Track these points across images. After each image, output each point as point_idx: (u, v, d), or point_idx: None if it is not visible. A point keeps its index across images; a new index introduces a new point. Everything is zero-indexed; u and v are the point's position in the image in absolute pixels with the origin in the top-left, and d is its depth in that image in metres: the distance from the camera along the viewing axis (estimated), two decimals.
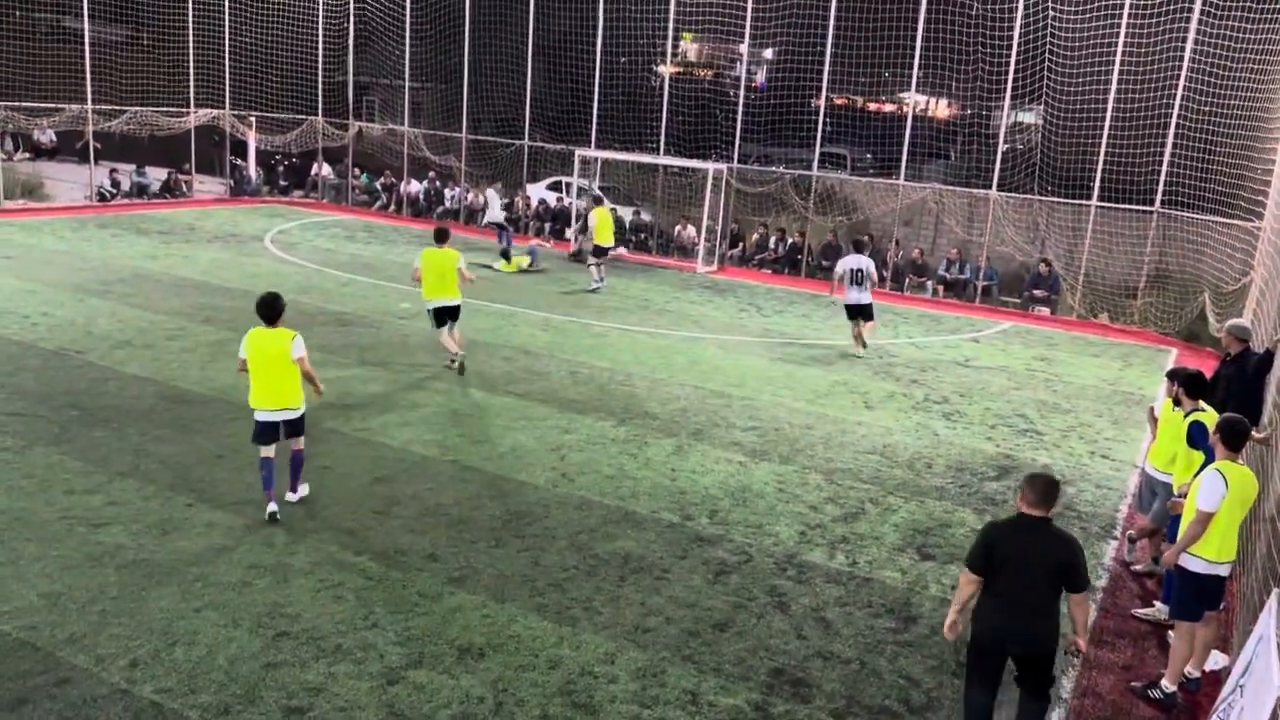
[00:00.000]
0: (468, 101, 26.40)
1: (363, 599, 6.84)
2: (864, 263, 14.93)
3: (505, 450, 9.95)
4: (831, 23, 21.69)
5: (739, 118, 23.32)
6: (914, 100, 22.42)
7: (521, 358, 13.55)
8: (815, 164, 22.95)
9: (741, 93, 23.64)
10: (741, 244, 23.99)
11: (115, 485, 8.37)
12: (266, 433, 8.03)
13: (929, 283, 21.69)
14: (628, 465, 9.81)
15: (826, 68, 22.03)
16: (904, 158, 21.82)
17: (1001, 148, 21.05)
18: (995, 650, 5.50)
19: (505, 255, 20.62)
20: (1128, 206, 19.82)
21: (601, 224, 19.48)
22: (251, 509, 8.10)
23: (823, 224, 23.10)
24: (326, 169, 29.16)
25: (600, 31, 24.31)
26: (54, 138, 28.75)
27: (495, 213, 21.91)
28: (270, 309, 7.90)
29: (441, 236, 12.60)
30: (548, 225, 25.44)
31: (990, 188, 21.00)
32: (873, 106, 26.48)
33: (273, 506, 7.98)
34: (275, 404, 7.98)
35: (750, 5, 22.56)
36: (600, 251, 19.35)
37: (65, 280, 15.78)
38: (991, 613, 5.44)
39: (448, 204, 27.38)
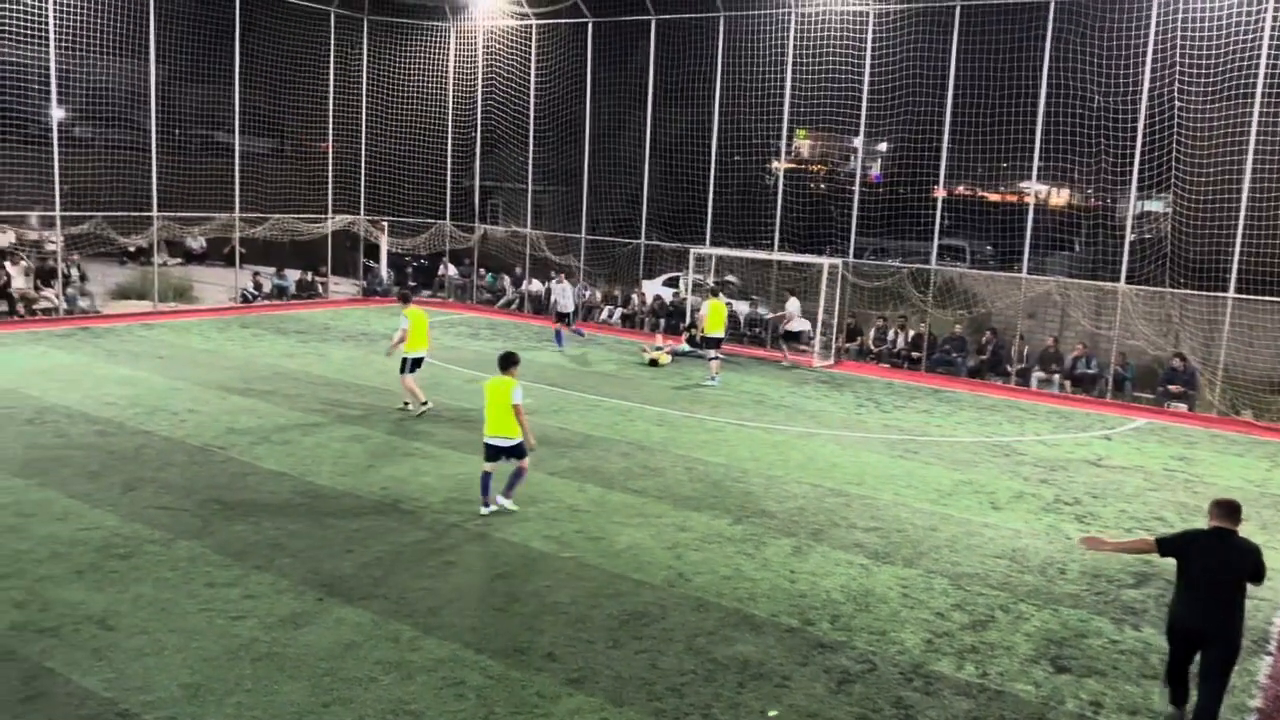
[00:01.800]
0: (587, 203, 27.24)
1: (483, 698, 6.89)
2: None
3: (622, 548, 9.98)
4: (948, 114, 21.72)
5: (854, 211, 23.39)
6: (1035, 190, 22.11)
7: (637, 453, 13.65)
8: (934, 257, 22.75)
9: (857, 186, 23.76)
10: (859, 338, 23.80)
11: (252, 578, 8.71)
12: (490, 453, 10.60)
13: (1056, 377, 21.03)
14: (745, 566, 9.70)
15: (944, 159, 22.00)
16: (1026, 249, 21.43)
17: (1129, 238, 20.48)
18: (1188, 637, 6.84)
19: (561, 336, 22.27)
20: (1269, 298, 18.92)
21: (713, 315, 19.72)
22: (378, 603, 8.31)
23: (943, 317, 22.75)
24: (452, 269, 30.36)
25: (715, 131, 24.90)
26: (204, 244, 30.82)
27: (566, 303, 22.66)
28: (504, 361, 10.68)
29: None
30: (663, 321, 25.78)
31: (1118, 280, 20.40)
32: (992, 197, 26.23)
33: (484, 510, 10.61)
34: (497, 432, 10.48)
35: (865, 99, 22.80)
36: (711, 343, 19.57)
37: (210, 378, 16.72)
38: (1186, 605, 6.83)
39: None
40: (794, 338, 22.19)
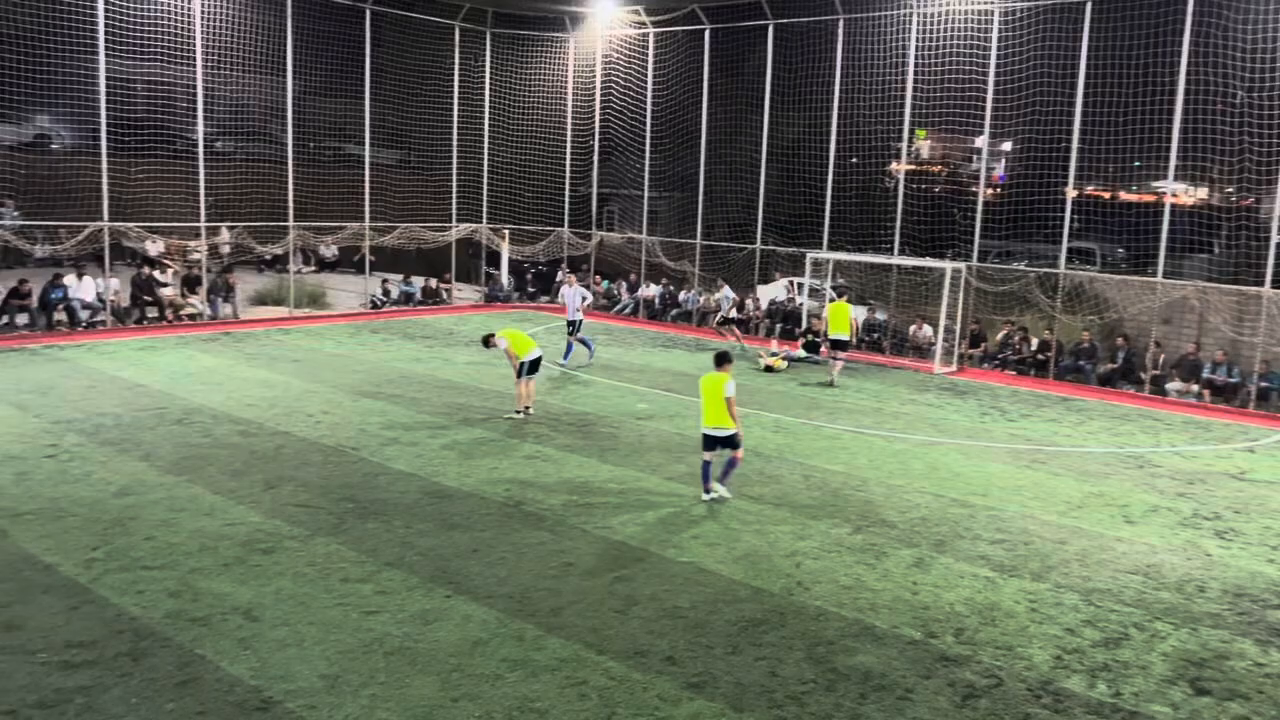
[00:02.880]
0: (702, 208, 27.33)
1: (605, 699, 7.03)
2: None
3: (740, 555, 10.00)
4: (1078, 110, 20.98)
5: (978, 213, 22.82)
6: (1171, 190, 21.17)
7: (754, 460, 13.63)
8: (1062, 260, 22.00)
9: (981, 187, 23.17)
10: (983, 344, 23.20)
11: (384, 575, 9.07)
12: (707, 443, 11.53)
13: (1194, 386, 20.06)
14: (865, 576, 9.60)
15: (1073, 158, 21.27)
16: (1161, 252, 20.52)
17: (1275, 240, 19.39)
18: None
19: (582, 344, 20.55)
20: None
21: (835, 316, 19.62)
22: (502, 602, 8.54)
23: (1072, 323, 21.99)
24: (570, 276, 30.81)
25: (833, 134, 24.65)
26: (336, 252, 32.07)
27: (573, 309, 20.22)
28: (720, 359, 11.65)
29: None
30: (779, 326, 25.64)
31: (1263, 283, 19.35)
32: (1126, 197, 25.22)
33: (706, 496, 11.54)
34: (713, 423, 11.37)
35: (989, 98, 22.23)
36: (836, 345, 19.46)
37: (342, 381, 17.43)
38: None
39: (682, 306, 28.18)
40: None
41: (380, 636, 7.83)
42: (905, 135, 24.26)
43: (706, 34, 26.68)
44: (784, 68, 25.52)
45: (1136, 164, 22.78)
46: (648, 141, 28.16)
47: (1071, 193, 21.65)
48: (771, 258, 26.72)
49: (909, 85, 23.34)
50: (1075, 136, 21.13)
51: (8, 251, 21.75)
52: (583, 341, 20.40)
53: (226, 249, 25.58)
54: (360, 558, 9.45)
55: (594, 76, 29.39)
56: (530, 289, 31.37)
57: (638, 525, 10.71)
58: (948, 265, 22.06)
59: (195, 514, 10.42)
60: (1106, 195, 25.90)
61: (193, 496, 10.97)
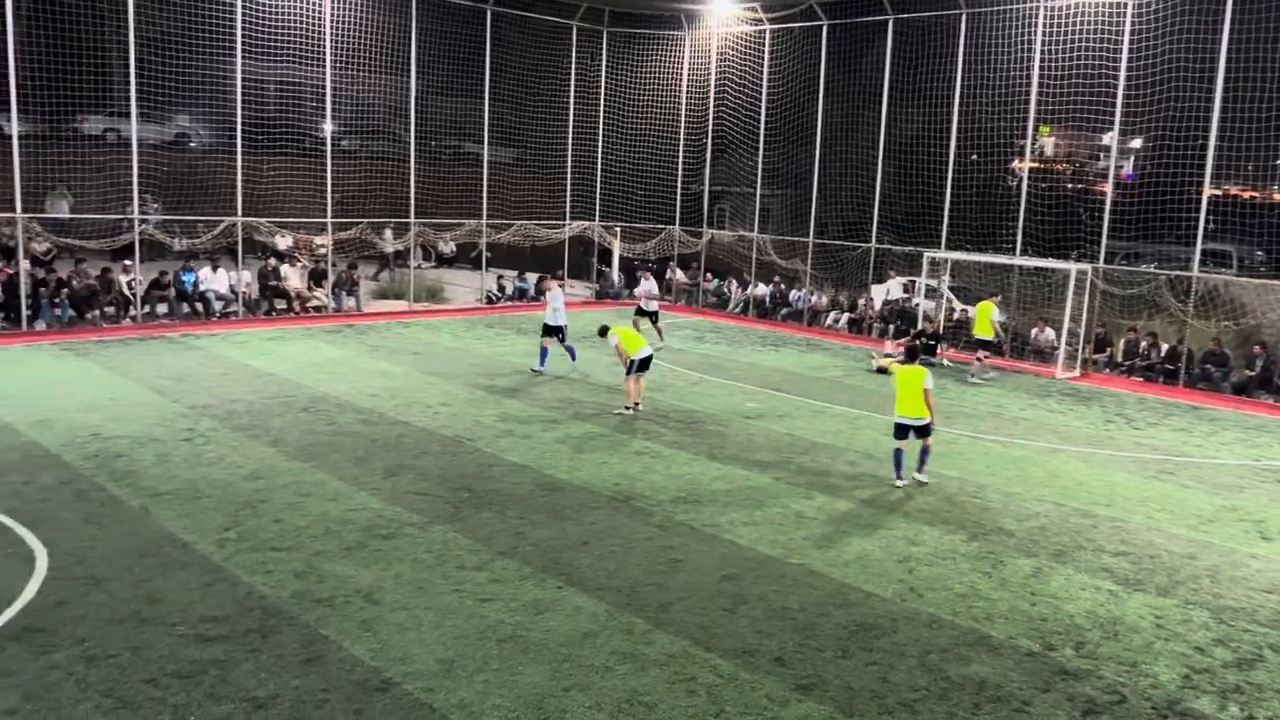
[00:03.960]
0: (816, 205, 27.04)
1: (714, 696, 7.05)
2: None
3: (850, 558, 9.88)
4: (1217, 105, 19.97)
5: (1105, 213, 21.97)
6: None
7: (866, 462, 13.45)
8: (1195, 262, 21.00)
9: (1110, 186, 22.30)
10: (1108, 349, 22.33)
11: (498, 564, 9.29)
12: (899, 432, 12.33)
13: None
14: (981, 584, 9.38)
15: (1210, 156, 20.26)
16: None
17: None
18: None
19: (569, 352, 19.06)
20: None
21: (981, 316, 19.74)
22: (612, 595, 8.65)
23: (1204, 329, 20.97)
24: (680, 273, 30.92)
25: (953, 131, 24.08)
26: (454, 248, 32.84)
27: (557, 313, 18.45)
28: (911, 354, 12.88)
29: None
30: (892, 326, 25.19)
31: None
32: (1273, 197, 23.92)
33: (899, 483, 12.23)
34: (910, 413, 12.20)
35: (1120, 92, 21.36)
36: (985, 345, 19.79)
37: (459, 374, 17.87)
38: None
39: (792, 305, 27.95)
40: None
41: (494, 624, 8.02)
42: (1029, 132, 23.51)
43: (824, 30, 26.37)
44: (903, 63, 25.03)
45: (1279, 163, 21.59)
46: (761, 138, 28.00)
47: (1208, 192, 20.61)
48: (886, 257, 26.25)
49: (1034, 80, 22.61)
50: (1213, 133, 20.12)
51: (150, 245, 22.96)
52: (568, 349, 18.54)
53: (390, 249, 26.74)
54: (475, 546, 9.69)
55: (708, 74, 29.37)
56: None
57: (746, 524, 10.69)
58: (1072, 266, 21.30)
59: (320, 499, 10.84)
60: (1246, 195, 24.61)
61: (318, 482, 11.42)
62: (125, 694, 6.71)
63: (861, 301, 26.61)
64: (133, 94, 21.36)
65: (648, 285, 23.11)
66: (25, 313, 20.40)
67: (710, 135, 29.44)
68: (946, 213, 24.33)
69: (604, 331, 16.16)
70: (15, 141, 20.06)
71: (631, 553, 9.71)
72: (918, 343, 17.58)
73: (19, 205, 20.25)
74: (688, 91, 29.81)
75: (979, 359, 20.16)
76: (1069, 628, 8.49)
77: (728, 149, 29.30)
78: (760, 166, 28.13)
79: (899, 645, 8.01)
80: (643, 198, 29.91)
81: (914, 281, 25.72)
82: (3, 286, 20.43)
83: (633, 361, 15.33)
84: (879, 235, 25.86)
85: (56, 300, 21.03)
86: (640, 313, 22.24)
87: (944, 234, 24.39)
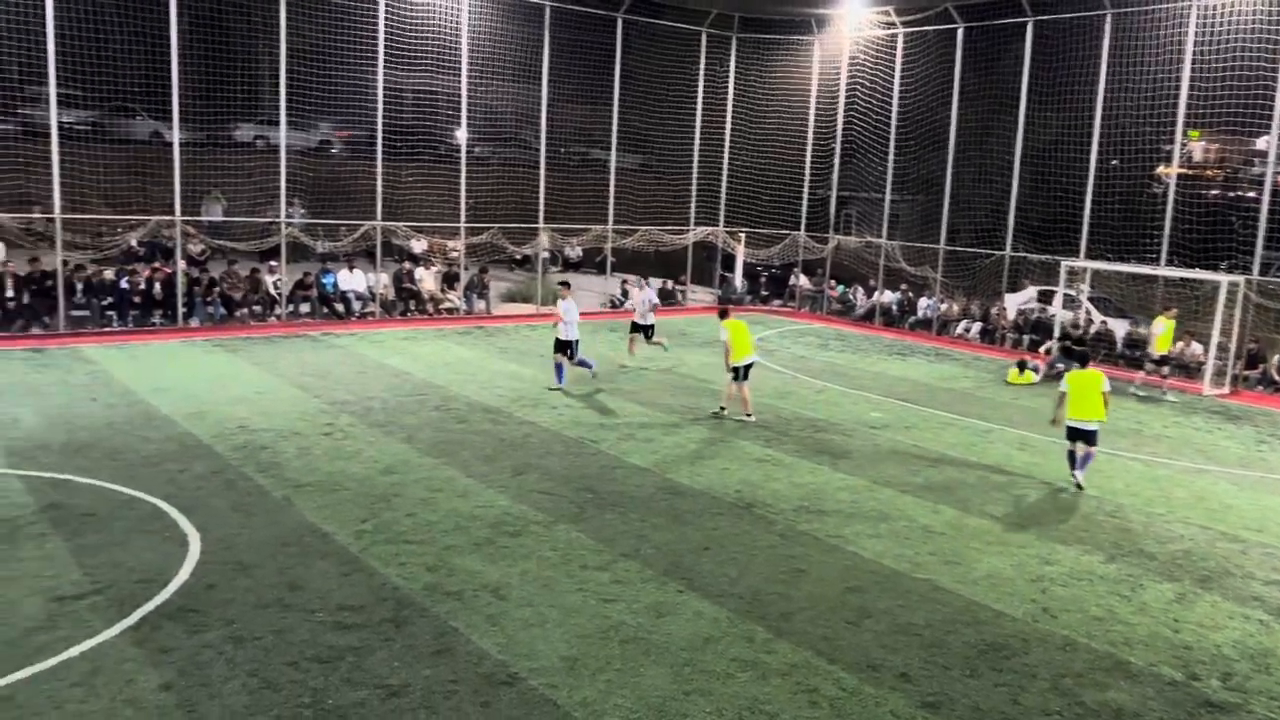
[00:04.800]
0: (947, 212, 26.39)
1: (837, 709, 6.97)
2: None
3: (980, 575, 9.62)
4: None
5: (1260, 222, 20.76)
6: None
7: (996, 477, 13.06)
8: None
9: (1266, 193, 21.05)
10: (1261, 365, 21.08)
11: (620, 565, 9.40)
12: (1071, 434, 12.65)
13: None
14: (1119, 608, 8.99)
15: None
16: None
17: None
18: None
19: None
20: None
21: (1166, 332, 19.39)
22: (733, 602, 8.65)
23: None
24: (804, 279, 30.62)
25: (1095, 135, 23.15)
26: (580, 253, 33.35)
27: (570, 327, 17.07)
28: (1083, 359, 13.09)
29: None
30: (1027, 338, 24.37)
31: None
32: None
33: (1077, 476, 12.61)
34: (1084, 416, 12.44)
35: (1279, 95, 20.15)
36: (1164, 361, 19.44)
37: (582, 376, 18.12)
38: None
39: (920, 313, 27.34)
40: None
41: (616, 624, 8.12)
42: (1177, 136, 22.41)
43: (959, 33, 25.74)
44: (1042, 66, 24.22)
45: None
46: (891, 143, 27.51)
47: None
48: (1021, 265, 25.42)
49: (1184, 82, 21.55)
50: None
51: (294, 247, 24.07)
52: (583, 363, 17.49)
53: (545, 253, 27.55)
54: (598, 547, 9.83)
55: (838, 78, 29.02)
56: (763, 292, 31.40)
57: (871, 536, 10.52)
58: (1223, 278, 20.22)
59: (451, 495, 11.18)
60: None
61: (448, 478, 11.77)
62: (269, 675, 7.06)
63: (994, 310, 25.83)
64: (282, 103, 22.45)
65: (645, 295, 20.15)
66: (181, 310, 21.70)
67: (839, 139, 29.07)
68: (1086, 220, 23.41)
69: (724, 313, 15.87)
70: (176, 148, 21.33)
71: (753, 560, 9.69)
72: (1081, 347, 17.12)
73: (178, 208, 21.55)
74: (817, 95, 29.51)
75: (1162, 375, 19.75)
76: (1215, 658, 8.07)
77: (856, 153, 28.87)
78: (890, 171, 27.64)
79: (1030, 667, 7.76)
80: (768, 203, 29.75)
81: (1051, 291, 24.82)
82: (161, 285, 21.75)
83: (735, 367, 15.25)
84: (1014, 243, 25.06)
85: (209, 299, 22.28)
86: (635, 328, 19.78)
87: (1083, 242, 23.48)
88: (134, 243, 22.10)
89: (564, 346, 17.02)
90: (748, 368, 15.36)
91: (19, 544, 9.19)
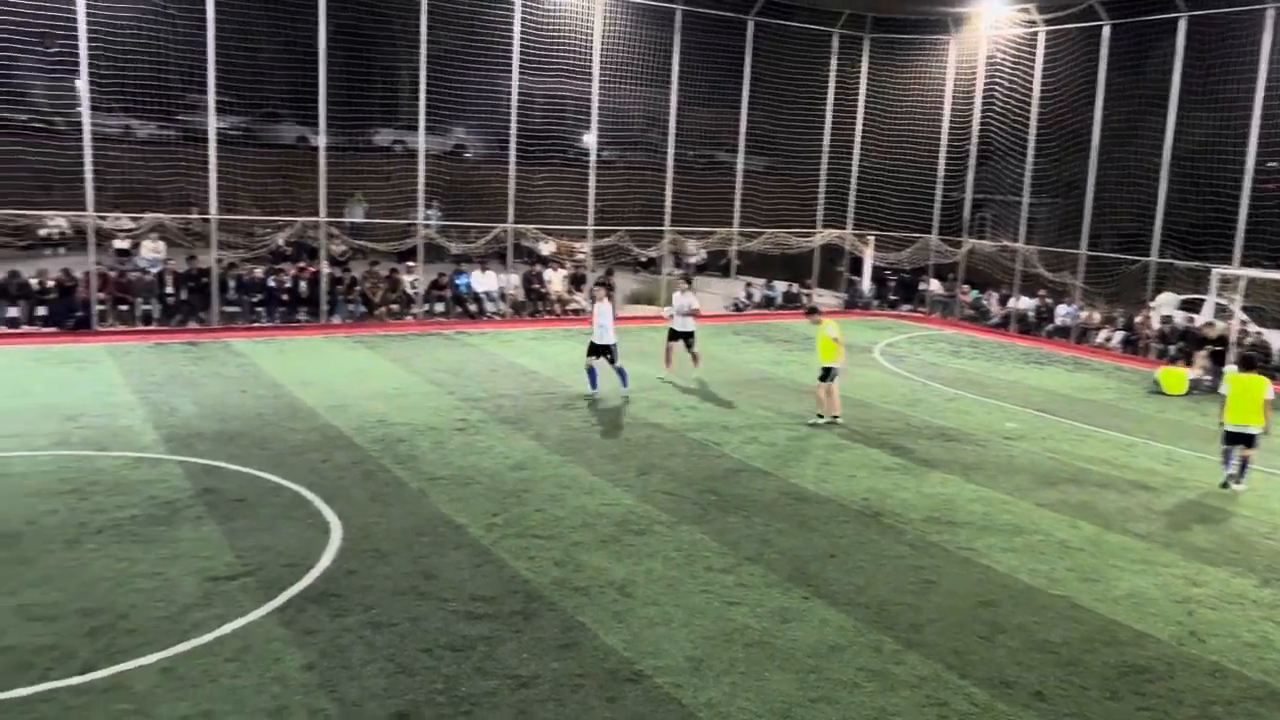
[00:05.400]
0: (1089, 216, 25.35)
1: None
2: None
3: (1121, 594, 9.22)
4: None
5: None
6: None
7: (1139, 492, 12.50)
8: None
9: None
10: None
11: (744, 568, 9.38)
12: (1230, 438, 12.65)
13: None
14: (1275, 635, 8.49)
15: None
16: None
17: None
18: None
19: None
20: None
21: None
22: (859, 611, 8.52)
23: None
24: (935, 284, 29.88)
25: (1253, 136, 21.88)
26: (704, 255, 33.38)
27: (605, 331, 16.39)
28: (1246, 362, 13.68)
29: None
30: (1173, 347, 23.20)
31: None
32: None
33: (1229, 472, 12.77)
34: (1243, 421, 12.44)
35: None
36: None
37: (706, 379, 18.15)
38: None
39: (1059, 321, 26.33)
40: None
41: (740, 627, 8.12)
42: None
43: (1105, 30, 24.70)
44: (1194, 64, 23.02)
45: None
46: (1030, 145, 26.59)
47: None
48: (1168, 272, 24.22)
49: None
50: None
51: (430, 248, 24.85)
52: (618, 372, 16.69)
53: (691, 260, 27.93)
54: (722, 549, 9.83)
55: (975, 78, 28.23)
56: (892, 296, 30.78)
57: (1005, 550, 10.22)
58: None
59: (578, 492, 11.37)
60: None
61: (575, 476, 11.97)
62: (405, 660, 7.33)
63: (1138, 319, 24.67)
64: (421, 108, 23.21)
65: (685, 299, 18.59)
66: (324, 307, 22.69)
67: (975, 141, 28.27)
68: (1241, 225, 22.15)
69: (813, 310, 16.07)
70: (322, 153, 22.32)
71: (881, 569, 9.53)
72: (1250, 353, 16.33)
73: (323, 210, 22.54)
74: (952, 96, 28.77)
75: None
76: None
77: (992, 155, 28.01)
78: (1029, 174, 26.72)
79: (1176, 692, 7.41)
80: (898, 205, 29.15)
81: (1200, 300, 23.58)
82: (306, 283, 22.78)
83: (824, 368, 15.16)
84: (1161, 249, 23.90)
85: (350, 297, 23.22)
86: (674, 335, 18.55)
87: (1237, 249, 22.21)
88: (281, 242, 23.21)
89: (597, 351, 16.34)
90: (829, 370, 15.19)
91: (178, 525, 9.78)
